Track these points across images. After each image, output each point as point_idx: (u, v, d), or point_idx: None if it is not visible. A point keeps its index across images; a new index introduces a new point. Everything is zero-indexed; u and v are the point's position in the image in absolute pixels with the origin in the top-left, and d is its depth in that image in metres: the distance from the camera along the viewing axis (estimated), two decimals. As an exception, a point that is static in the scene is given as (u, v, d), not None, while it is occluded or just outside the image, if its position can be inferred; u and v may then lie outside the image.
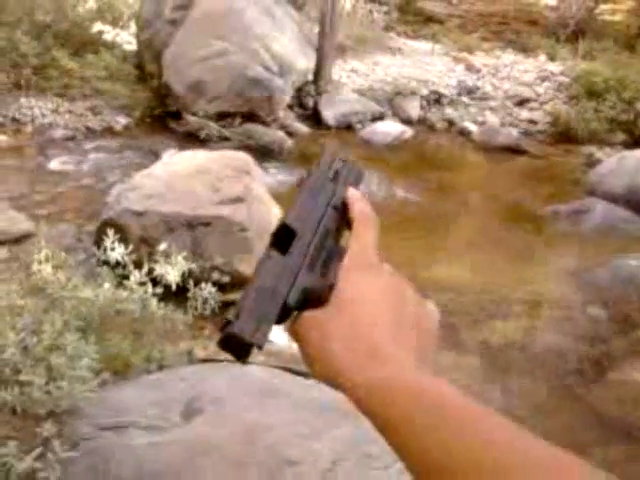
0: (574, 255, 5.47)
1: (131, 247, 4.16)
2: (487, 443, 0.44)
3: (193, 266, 4.09)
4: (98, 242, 4.28)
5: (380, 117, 9.13)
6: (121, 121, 7.81)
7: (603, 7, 15.00)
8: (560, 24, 14.10)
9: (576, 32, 13.90)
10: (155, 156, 6.74)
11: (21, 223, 4.93)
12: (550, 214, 6.37)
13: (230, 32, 8.36)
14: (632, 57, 11.73)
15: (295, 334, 0.56)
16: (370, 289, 0.56)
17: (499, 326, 4.39)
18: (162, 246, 4.00)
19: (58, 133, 7.38)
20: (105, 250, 3.91)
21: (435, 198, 6.77)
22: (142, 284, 3.69)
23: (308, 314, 0.56)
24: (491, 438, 0.45)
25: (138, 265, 4.02)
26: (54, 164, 6.66)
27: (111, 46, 9.76)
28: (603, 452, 3.12)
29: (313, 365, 0.54)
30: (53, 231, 4.61)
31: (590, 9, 14.72)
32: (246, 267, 4.55)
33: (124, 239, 4.31)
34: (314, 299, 0.56)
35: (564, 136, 9.04)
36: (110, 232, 4.10)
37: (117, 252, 3.76)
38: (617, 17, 15.07)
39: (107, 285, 3.59)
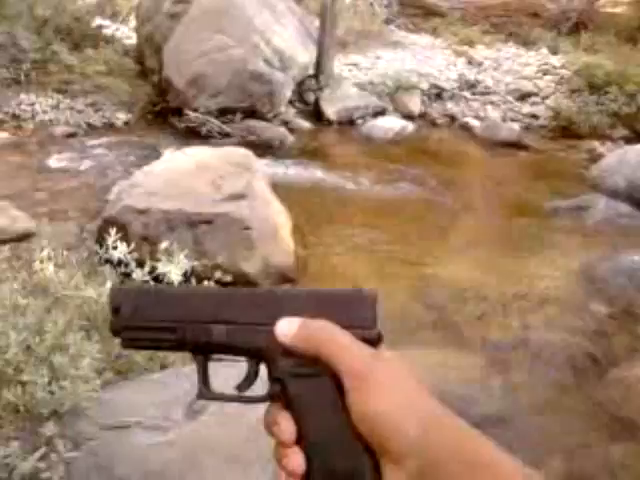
0: (576, 251, 5.45)
1: (133, 245, 4.16)
2: None
3: (195, 264, 4.10)
4: (100, 240, 4.28)
5: (381, 112, 9.11)
6: (122, 117, 7.80)
7: (605, -1, 14.93)
8: (562, 16, 14.04)
9: (578, 25, 13.84)
10: (156, 152, 6.74)
11: (22, 222, 4.92)
12: (552, 210, 6.36)
13: (230, 26, 8.33)
14: (634, 50, 11.68)
15: (361, 360, 0.55)
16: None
17: (500, 322, 4.39)
18: (164, 244, 4.00)
19: (59, 130, 7.37)
20: (107, 249, 3.91)
21: (437, 194, 6.76)
22: (144, 282, 3.69)
23: (370, 349, 0.55)
24: None
25: (140, 263, 4.02)
26: (55, 161, 6.65)
27: (111, 40, 9.75)
28: (606, 451, 3.12)
29: (384, 399, 0.52)
30: (54, 229, 4.61)
31: (591, 1, 14.64)
32: (249, 266, 4.54)
33: (125, 237, 4.31)
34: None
35: (566, 131, 9.01)
36: (112, 230, 4.10)
37: (119, 251, 3.76)
38: (618, 9, 14.99)
39: (109, 284, 3.59)
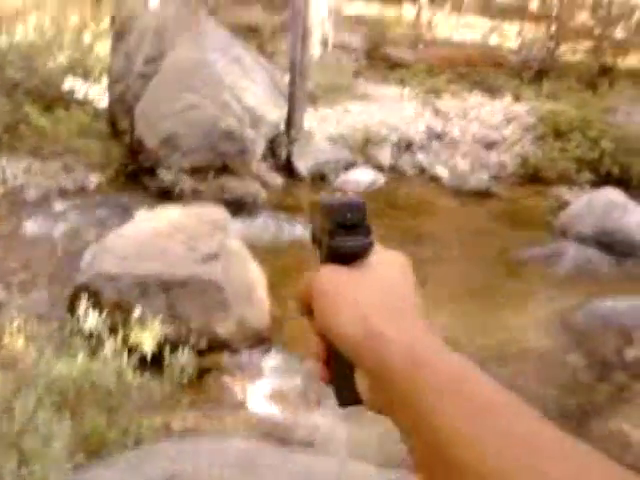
0: (549, 299, 5.50)
1: (105, 312, 4.11)
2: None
3: (169, 331, 4.05)
4: (72, 309, 4.22)
5: (353, 165, 9.23)
6: (94, 179, 7.78)
7: (563, 47, 15.48)
8: (523, 65, 14.50)
9: (540, 72, 14.31)
10: (129, 214, 6.71)
11: (-8, 291, 4.84)
12: (524, 258, 6.44)
13: (201, 84, 8.44)
14: (594, 96, 12.08)
15: (321, 284, 0.56)
16: (397, 259, 0.59)
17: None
18: (137, 312, 3.95)
19: (31, 194, 7.32)
20: (78, 318, 3.86)
21: (408, 245, 6.81)
22: (117, 352, 3.64)
23: (342, 267, 0.56)
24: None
25: (113, 331, 3.97)
26: (27, 227, 6.58)
27: (83, 101, 9.79)
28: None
29: (341, 313, 0.53)
30: (25, 299, 4.53)
31: (551, 50, 15.18)
32: (224, 329, 4.49)
33: (98, 304, 4.26)
34: (353, 254, 0.57)
35: (534, 177, 9.21)
36: (83, 299, 4.05)
37: (90, 321, 3.71)
38: (577, 57, 15.55)
39: (81, 355, 3.53)
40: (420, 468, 0.46)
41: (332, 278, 0.55)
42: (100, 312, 4.11)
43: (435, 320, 5.12)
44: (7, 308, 4.21)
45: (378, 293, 0.54)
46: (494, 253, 6.63)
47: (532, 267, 6.25)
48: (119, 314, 4.28)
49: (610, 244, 6.54)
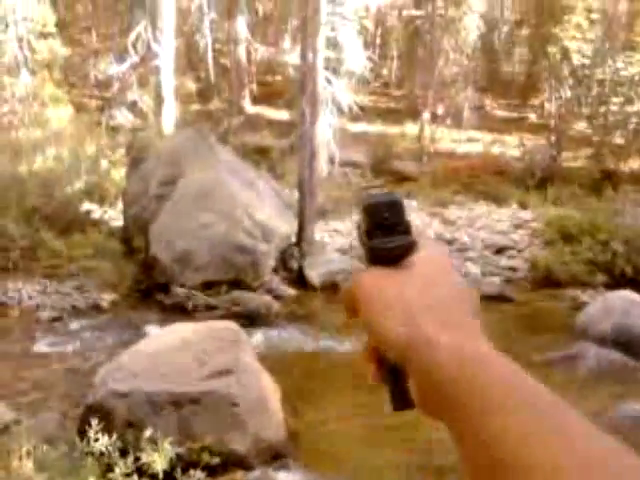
0: (575, 403, 5.28)
1: (116, 432, 4.01)
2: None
3: (181, 450, 3.92)
4: (82, 430, 4.11)
5: (364, 274, 9.25)
6: (107, 298, 7.85)
7: (564, 155, 15.92)
8: (527, 173, 14.86)
9: (543, 179, 14.63)
10: (142, 331, 6.70)
11: (3, 413, 4.75)
12: (544, 362, 6.29)
13: (214, 204, 8.70)
14: (600, 201, 12.27)
15: (364, 288, 0.54)
16: (441, 257, 0.56)
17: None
18: (148, 432, 3.85)
19: (45, 314, 7.37)
20: (89, 441, 3.76)
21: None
22: (128, 475, 3.51)
23: (385, 269, 0.54)
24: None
25: (124, 452, 3.85)
26: (40, 346, 6.57)
27: (98, 224, 10.07)
28: None
29: (386, 318, 0.51)
30: (36, 421, 4.43)
31: (553, 157, 15.61)
32: (238, 444, 4.34)
33: (109, 424, 4.16)
34: (395, 256, 0.54)
35: (546, 281, 9.17)
36: (94, 418, 3.96)
37: (100, 442, 3.61)
38: (579, 163, 15.96)
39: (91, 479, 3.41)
40: (469, 474, 0.45)
41: (374, 282, 0.54)
42: (110, 432, 4.01)
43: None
44: (17, 430, 4.10)
45: (423, 294, 0.52)
46: (514, 357, 6.43)
47: (554, 370, 6.08)
48: (130, 432, 4.16)
49: (629, 345, 6.43)
